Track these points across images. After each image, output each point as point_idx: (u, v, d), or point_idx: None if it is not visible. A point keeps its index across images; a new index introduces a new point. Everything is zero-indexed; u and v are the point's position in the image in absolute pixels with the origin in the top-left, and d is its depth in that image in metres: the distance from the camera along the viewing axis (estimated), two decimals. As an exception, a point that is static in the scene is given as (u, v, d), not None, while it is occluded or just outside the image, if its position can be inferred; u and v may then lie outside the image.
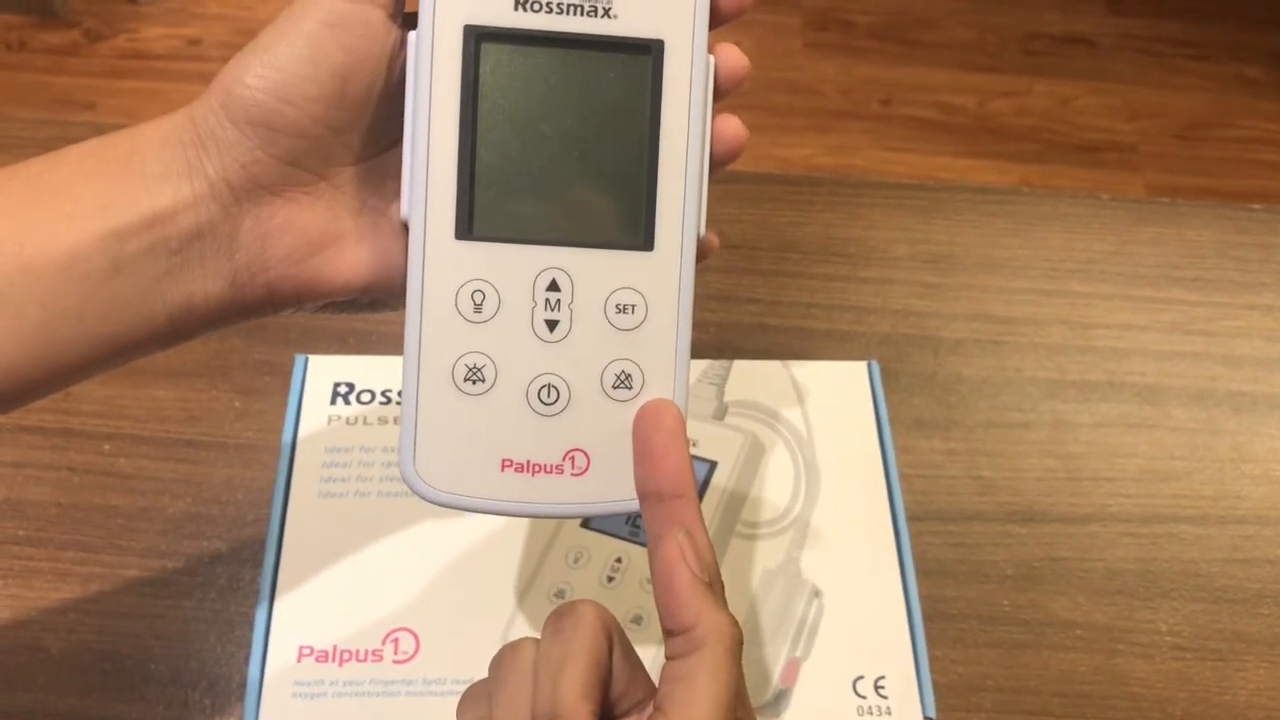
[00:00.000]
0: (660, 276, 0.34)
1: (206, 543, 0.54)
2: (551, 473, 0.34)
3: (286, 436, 0.52)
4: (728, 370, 0.56)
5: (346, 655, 0.46)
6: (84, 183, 0.33)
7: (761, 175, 0.71)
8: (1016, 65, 1.75)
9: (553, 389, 0.34)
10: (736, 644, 0.32)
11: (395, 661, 0.46)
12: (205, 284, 0.35)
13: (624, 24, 0.34)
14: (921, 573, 0.55)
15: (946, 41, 1.78)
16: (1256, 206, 0.71)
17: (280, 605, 0.47)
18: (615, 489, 0.34)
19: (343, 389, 0.54)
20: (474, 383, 0.34)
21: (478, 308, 0.34)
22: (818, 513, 0.51)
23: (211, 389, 0.59)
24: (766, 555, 0.49)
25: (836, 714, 0.45)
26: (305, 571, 0.48)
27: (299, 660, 0.45)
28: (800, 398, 0.54)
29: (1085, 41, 1.79)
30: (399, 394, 0.54)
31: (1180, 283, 0.67)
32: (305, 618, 0.46)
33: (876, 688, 0.46)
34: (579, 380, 0.34)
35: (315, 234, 0.36)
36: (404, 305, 0.35)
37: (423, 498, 0.34)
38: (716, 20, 0.36)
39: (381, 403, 0.53)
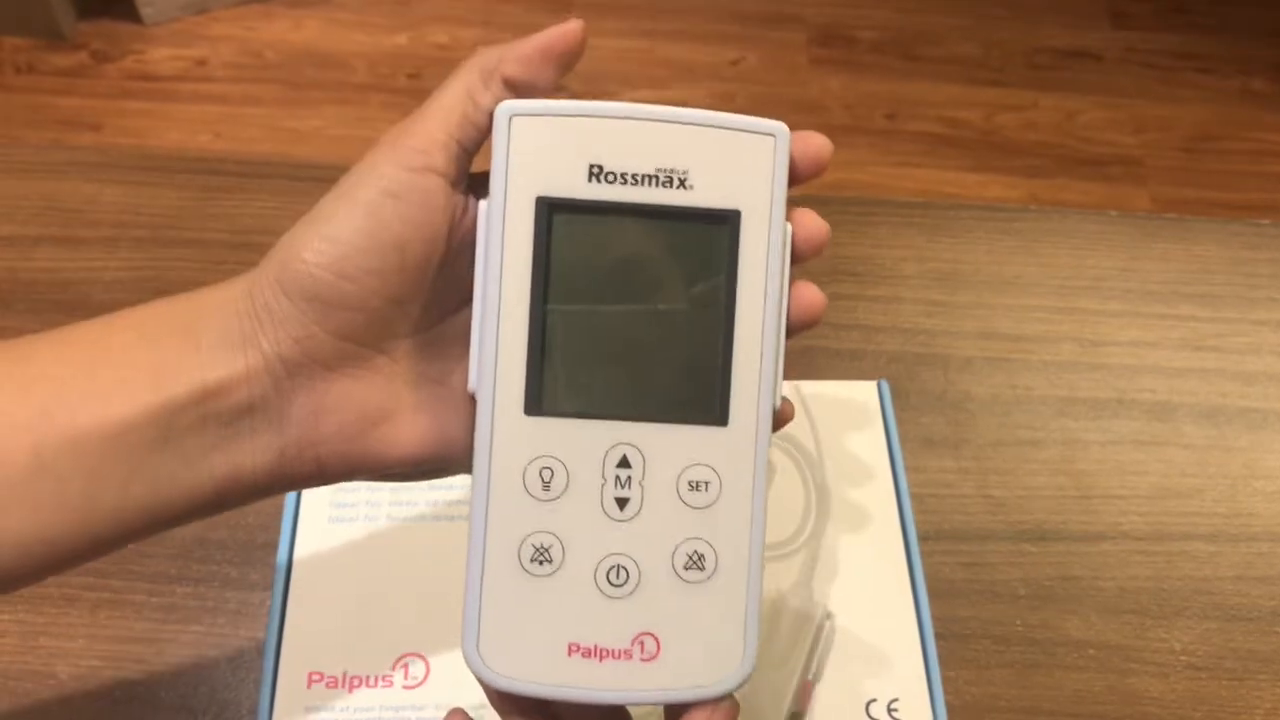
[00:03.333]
0: (735, 452, 0.33)
1: (216, 567, 0.54)
2: (620, 658, 0.33)
3: (295, 460, 0.52)
4: (737, 390, 0.56)
5: (356, 681, 0.45)
6: (140, 351, 0.33)
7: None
8: (1021, 80, 1.75)
9: (622, 570, 0.33)
10: None
11: (405, 687, 0.45)
12: (254, 458, 0.34)
13: (700, 195, 0.33)
14: (933, 593, 0.55)
15: (951, 56, 1.78)
16: (1265, 222, 0.71)
17: (290, 631, 0.47)
18: (687, 676, 0.33)
19: (351, 412, 0.54)
20: (541, 563, 0.33)
21: (546, 485, 0.33)
22: (829, 534, 0.51)
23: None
24: (778, 577, 0.49)
25: (849, 737, 0.45)
26: (315, 596, 0.48)
27: (309, 686, 0.45)
28: (810, 418, 0.54)
29: (1090, 55, 1.80)
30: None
31: (1190, 299, 0.67)
32: (315, 643, 0.46)
33: (890, 710, 0.46)
34: (650, 561, 0.33)
35: (371, 410, 0.35)
36: (464, 473, 0.35)
37: (485, 682, 0.33)
38: (793, 182, 0.35)
39: (390, 426, 0.53)
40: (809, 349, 0.64)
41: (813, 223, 0.35)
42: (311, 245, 0.33)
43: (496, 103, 0.33)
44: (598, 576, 0.33)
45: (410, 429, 0.35)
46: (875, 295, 0.66)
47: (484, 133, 0.34)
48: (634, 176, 0.33)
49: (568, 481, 0.33)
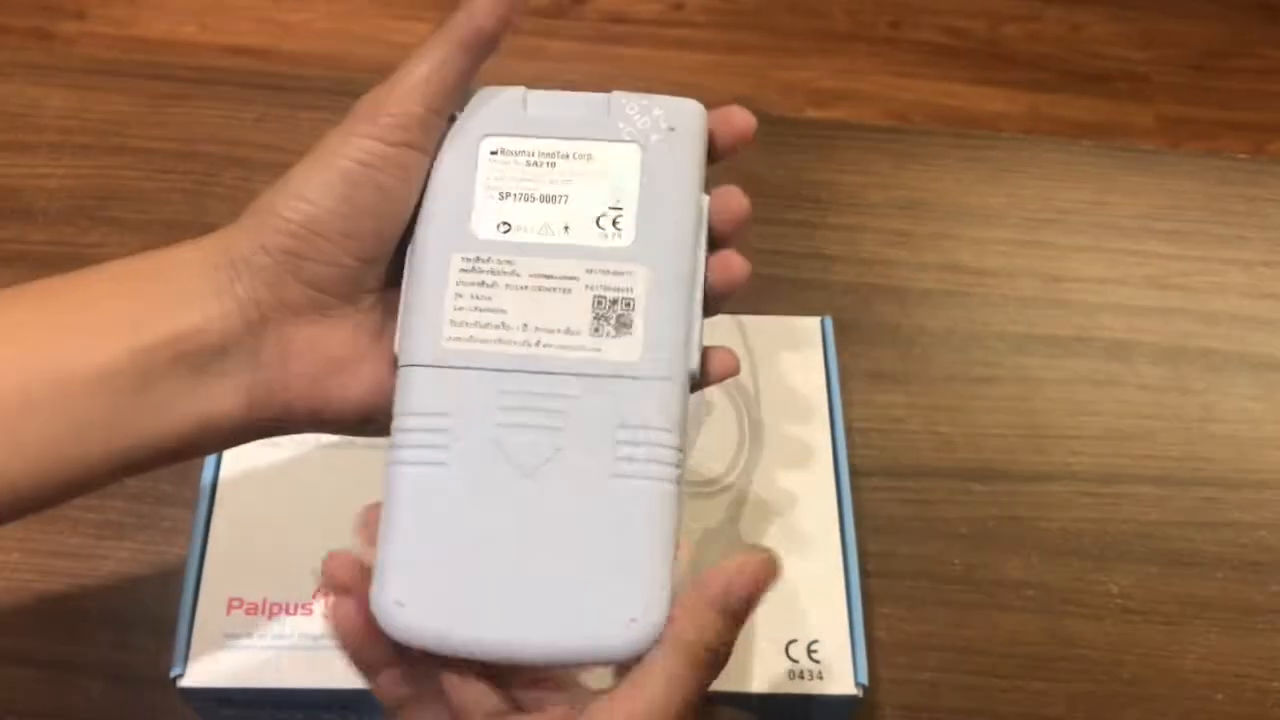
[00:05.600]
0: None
1: (152, 484, 0.54)
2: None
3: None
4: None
5: (276, 608, 0.45)
6: (117, 299, 0.34)
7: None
8: (1029, -12, 1.71)
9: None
10: (702, 663, 0.32)
11: (325, 616, 0.45)
12: (224, 401, 0.35)
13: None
14: (872, 529, 0.55)
15: (959, -38, 1.73)
16: (1243, 155, 0.69)
17: (212, 555, 0.46)
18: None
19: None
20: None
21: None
22: (760, 473, 0.50)
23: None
24: (705, 515, 0.49)
25: (765, 677, 0.45)
26: (239, 521, 0.47)
27: (229, 612, 0.45)
28: (749, 354, 0.53)
29: (1102, -36, 1.74)
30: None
31: (1158, 235, 0.66)
32: (237, 568, 0.46)
33: (809, 652, 0.46)
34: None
35: (336, 356, 0.36)
36: None
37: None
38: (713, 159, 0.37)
39: (326, 348, 0.52)
40: (764, 277, 0.62)
41: (736, 201, 0.37)
42: (289, 204, 0.34)
43: (472, 68, 0.35)
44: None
45: (370, 378, 0.36)
46: (836, 224, 0.65)
47: (458, 95, 0.36)
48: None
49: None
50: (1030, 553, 0.56)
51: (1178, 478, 0.58)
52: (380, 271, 0.36)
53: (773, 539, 0.48)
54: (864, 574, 0.49)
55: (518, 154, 0.36)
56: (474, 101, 0.36)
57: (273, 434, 0.37)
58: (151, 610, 0.51)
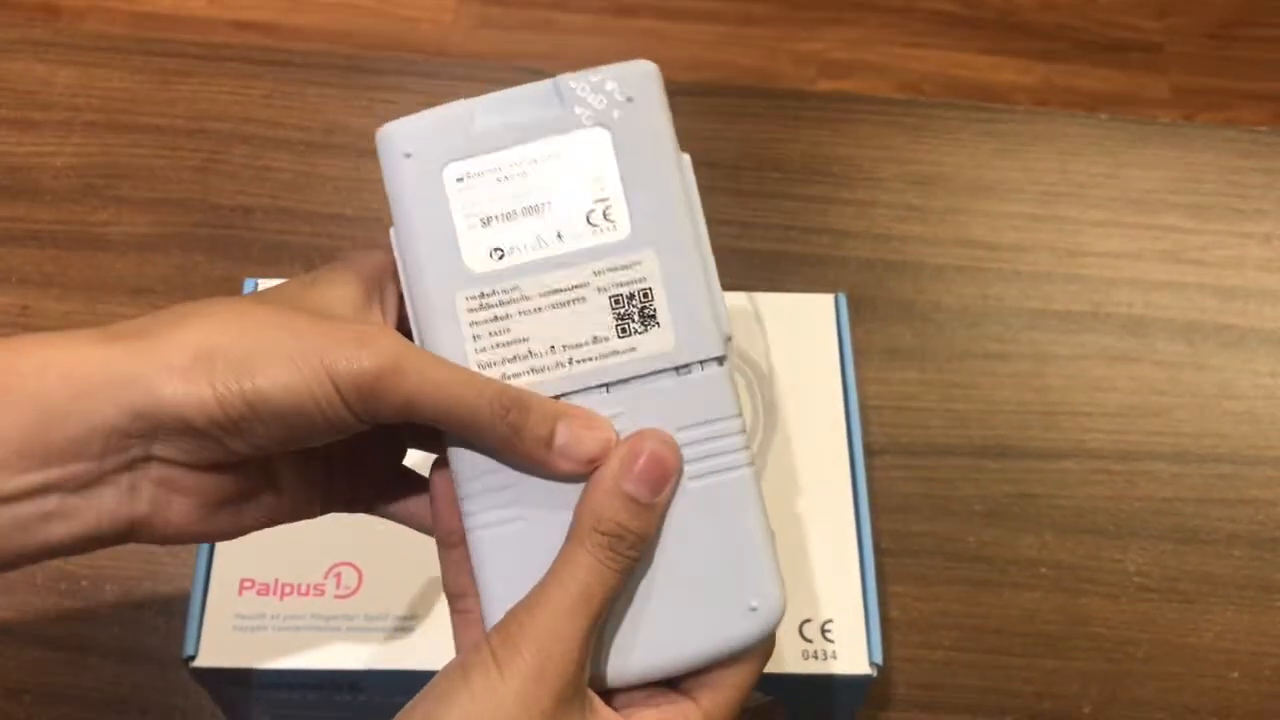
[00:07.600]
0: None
1: (163, 463, 0.54)
2: None
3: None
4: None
5: (288, 589, 0.45)
6: None
7: (747, 89, 0.69)
8: (1045, -44, 1.69)
9: None
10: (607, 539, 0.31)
11: (337, 596, 0.45)
12: (99, 526, 0.32)
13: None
14: (886, 508, 0.55)
15: (974, -70, 1.71)
16: (1263, 129, 0.68)
17: (223, 536, 0.46)
18: None
19: (298, 312, 0.52)
20: None
21: None
22: (774, 452, 0.50)
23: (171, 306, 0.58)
24: (719, 494, 0.48)
25: (780, 657, 0.45)
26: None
27: (240, 593, 0.45)
28: (764, 332, 0.52)
29: (1118, -69, 1.72)
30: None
31: (1176, 209, 0.65)
32: (248, 550, 0.46)
33: (823, 631, 0.46)
34: None
35: (225, 495, 0.34)
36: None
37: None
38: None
39: (336, 327, 0.52)
40: (777, 253, 0.62)
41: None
42: (236, 390, 0.31)
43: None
44: None
45: (258, 510, 0.35)
46: (849, 198, 0.64)
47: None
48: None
49: None
50: (1044, 530, 0.55)
51: (1194, 454, 0.58)
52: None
53: (786, 518, 0.48)
54: (878, 552, 0.49)
55: (484, 174, 0.33)
56: (418, 132, 0.33)
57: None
58: (164, 591, 0.51)
